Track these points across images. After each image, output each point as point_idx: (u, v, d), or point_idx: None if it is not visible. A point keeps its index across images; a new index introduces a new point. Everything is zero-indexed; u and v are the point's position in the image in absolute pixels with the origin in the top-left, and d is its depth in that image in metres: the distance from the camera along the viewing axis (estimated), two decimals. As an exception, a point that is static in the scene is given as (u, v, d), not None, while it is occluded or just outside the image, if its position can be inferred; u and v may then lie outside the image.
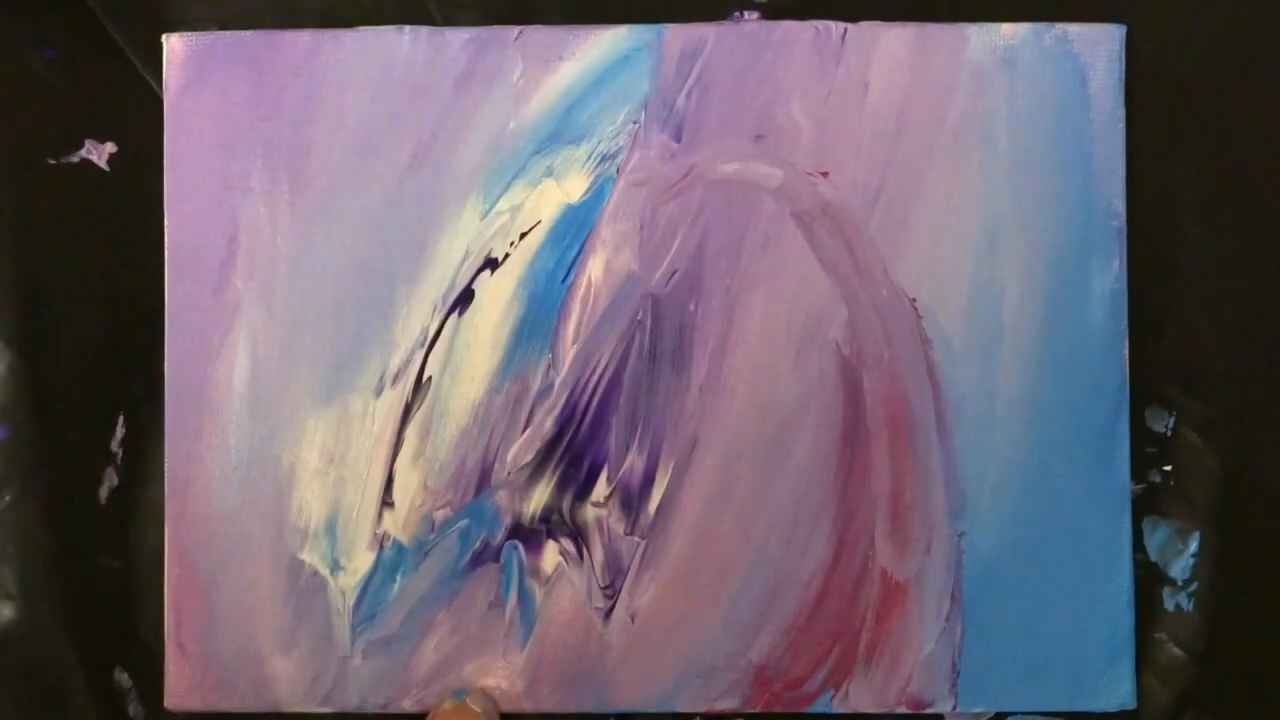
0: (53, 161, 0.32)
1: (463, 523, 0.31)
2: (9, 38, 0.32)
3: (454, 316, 0.31)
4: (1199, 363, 0.32)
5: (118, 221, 0.32)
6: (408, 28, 0.32)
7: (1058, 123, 0.31)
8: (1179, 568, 0.32)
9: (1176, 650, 0.32)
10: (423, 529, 0.31)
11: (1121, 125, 0.31)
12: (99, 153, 0.32)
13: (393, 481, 0.31)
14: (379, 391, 0.31)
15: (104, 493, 0.32)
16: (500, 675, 0.31)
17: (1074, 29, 0.32)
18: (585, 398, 0.31)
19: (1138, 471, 0.32)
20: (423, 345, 0.31)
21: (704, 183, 0.32)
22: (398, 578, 0.31)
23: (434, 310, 0.31)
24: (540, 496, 0.31)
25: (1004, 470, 0.31)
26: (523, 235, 0.31)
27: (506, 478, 0.31)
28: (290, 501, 0.31)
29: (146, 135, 0.32)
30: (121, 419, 0.32)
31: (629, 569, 0.31)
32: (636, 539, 0.31)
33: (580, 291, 0.31)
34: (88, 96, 0.33)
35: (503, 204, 0.31)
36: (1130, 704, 0.31)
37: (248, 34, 0.32)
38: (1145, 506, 0.32)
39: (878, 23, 0.32)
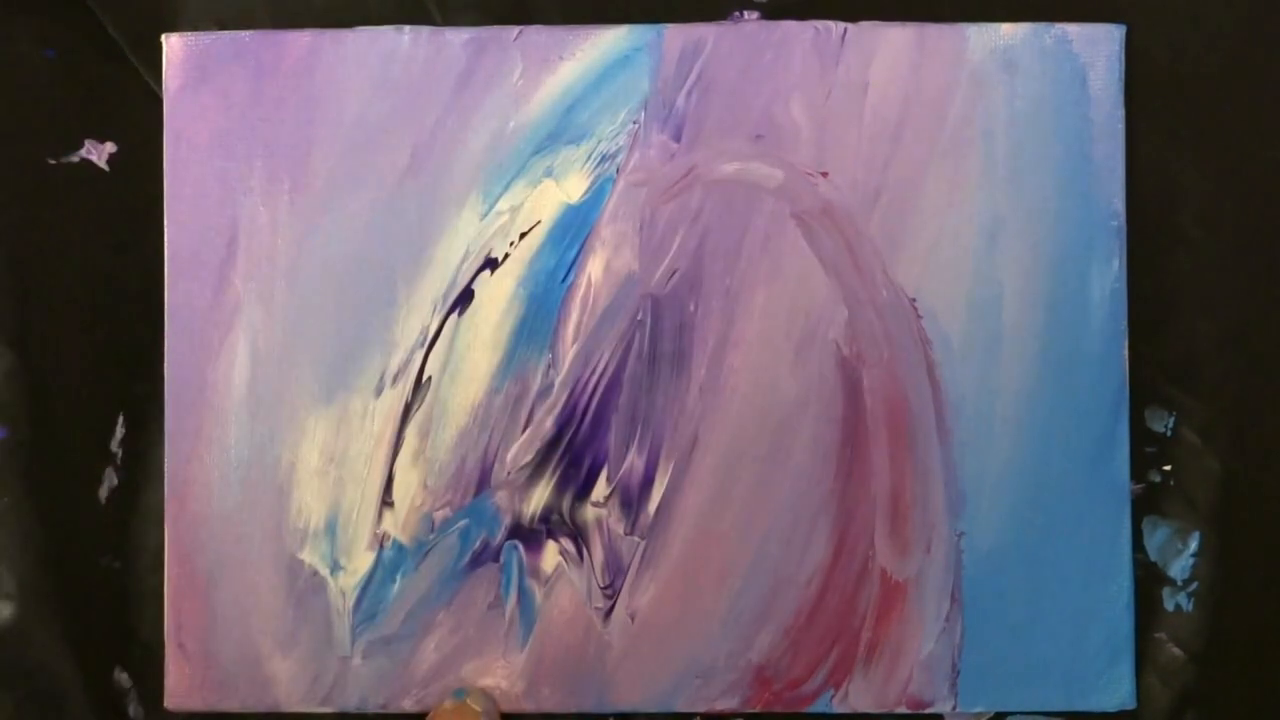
0: (53, 161, 0.32)
1: (463, 523, 0.31)
2: (9, 38, 0.32)
3: (454, 316, 0.31)
4: (1199, 363, 0.32)
5: (118, 221, 0.32)
6: (408, 28, 0.32)
7: (1058, 123, 0.31)
8: (1179, 568, 0.32)
9: (1176, 650, 0.32)
10: (423, 529, 0.31)
11: (1121, 125, 0.31)
12: (99, 153, 0.32)
13: (393, 481, 0.31)
14: (379, 391, 0.31)
15: (104, 493, 0.32)
16: (500, 675, 0.31)
17: (1074, 29, 0.32)
18: (585, 398, 0.31)
19: (1138, 471, 0.32)
20: (422, 345, 0.31)
21: (704, 183, 0.32)
22: (398, 578, 0.31)
23: (434, 310, 0.31)
24: (540, 496, 0.31)
25: (1004, 470, 0.31)
26: (522, 235, 0.31)
27: (506, 478, 0.31)
28: (290, 501, 0.31)
29: (146, 135, 0.32)
30: (121, 419, 0.32)
31: (629, 569, 0.31)
32: (636, 539, 0.31)
33: (580, 291, 0.31)
34: (88, 96, 0.33)
35: (503, 204, 0.31)
36: (1130, 704, 0.31)
37: (247, 34, 0.32)
38: (1145, 506, 0.32)
39: (878, 23, 0.32)
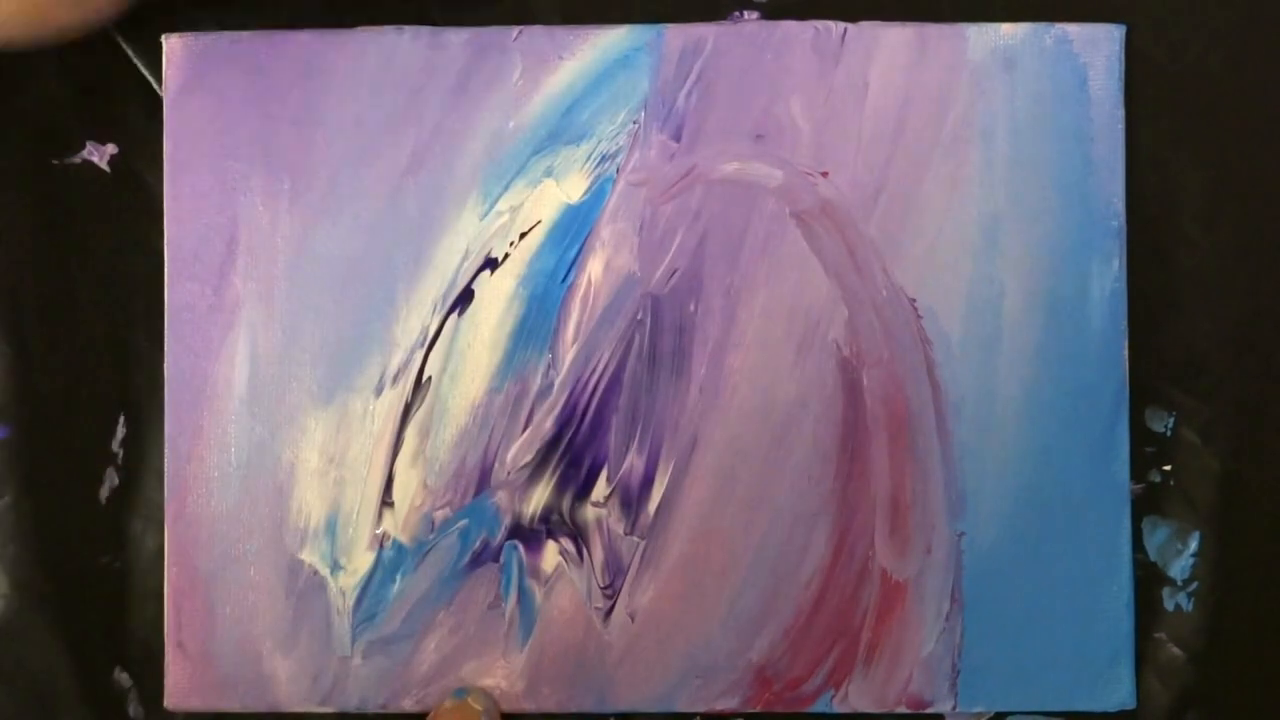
0: (56, 163, 0.32)
1: (463, 523, 0.31)
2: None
3: (454, 316, 0.31)
4: (1199, 363, 0.32)
5: (118, 222, 0.32)
6: (408, 28, 0.32)
7: (1058, 123, 0.31)
8: (1179, 568, 0.32)
9: (1176, 650, 0.32)
10: (423, 529, 0.31)
11: (1121, 125, 0.31)
12: (100, 154, 0.32)
13: (393, 481, 0.31)
14: (379, 391, 0.31)
15: (104, 493, 0.32)
16: (500, 675, 0.31)
17: (1074, 29, 0.32)
18: (585, 398, 0.31)
19: (1138, 471, 0.32)
20: (422, 345, 0.31)
21: (704, 183, 0.32)
22: (398, 578, 0.31)
23: (434, 310, 0.31)
24: (540, 496, 0.31)
25: (1004, 470, 0.31)
26: (522, 235, 0.31)
27: (506, 478, 0.31)
28: (290, 501, 0.31)
29: (146, 135, 0.32)
30: (121, 419, 0.32)
31: (629, 569, 0.31)
32: (636, 539, 0.31)
33: (580, 291, 0.31)
34: (88, 97, 0.33)
35: (502, 204, 0.31)
36: (1130, 704, 0.31)
37: (247, 34, 0.32)
38: (1145, 506, 0.32)
39: (878, 23, 0.32)
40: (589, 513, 0.31)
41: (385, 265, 0.31)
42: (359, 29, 0.32)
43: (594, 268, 0.31)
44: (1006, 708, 0.31)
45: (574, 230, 0.31)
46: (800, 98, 0.31)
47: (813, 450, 0.31)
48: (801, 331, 0.31)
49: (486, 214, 0.31)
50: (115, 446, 0.32)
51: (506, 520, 0.31)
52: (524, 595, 0.31)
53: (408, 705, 0.31)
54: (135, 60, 0.32)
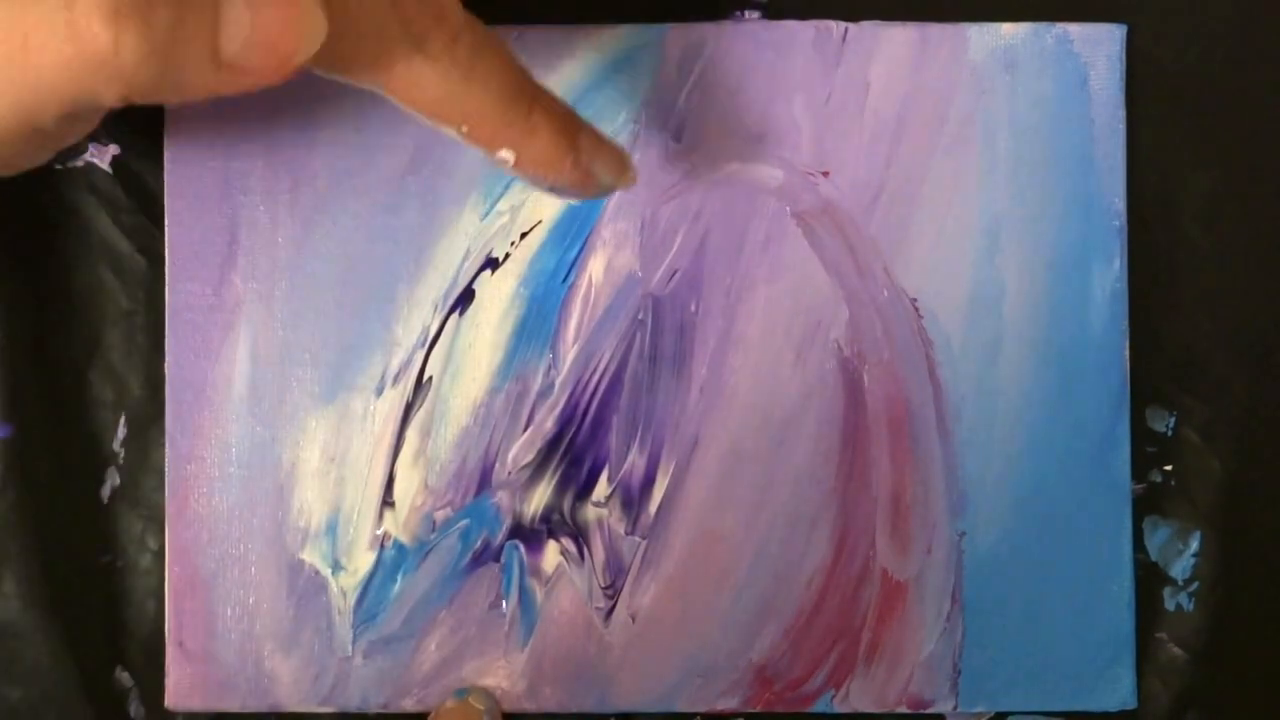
0: (59, 167, 0.32)
1: (463, 522, 0.31)
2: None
3: (455, 316, 0.31)
4: (1199, 363, 0.32)
5: (118, 222, 0.32)
6: (408, 27, 0.32)
7: (1058, 123, 0.31)
8: (1179, 567, 0.32)
9: (1177, 650, 0.32)
10: (423, 529, 0.31)
11: (1122, 125, 0.31)
12: (102, 155, 0.32)
13: (393, 481, 0.31)
14: (379, 391, 0.31)
15: (104, 493, 0.32)
16: (501, 675, 0.31)
17: (1074, 29, 0.32)
18: (586, 397, 0.31)
19: (1138, 471, 0.32)
20: (423, 345, 0.31)
21: (704, 183, 0.32)
22: (398, 578, 0.31)
23: (434, 310, 0.31)
24: (541, 496, 0.31)
25: (1004, 470, 0.31)
26: (523, 235, 0.31)
27: (507, 477, 0.31)
28: (291, 501, 0.31)
29: (147, 136, 0.32)
30: (122, 419, 0.32)
31: (630, 569, 0.31)
32: (637, 539, 0.31)
33: (581, 291, 0.31)
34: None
35: (503, 204, 0.31)
36: (1131, 704, 0.31)
37: (248, 34, 0.32)
38: (1146, 506, 0.32)
39: (878, 23, 0.32)
40: (590, 513, 0.31)
41: (386, 265, 0.31)
42: (359, 29, 0.32)
43: (595, 268, 0.31)
44: (1007, 708, 0.31)
45: (575, 230, 0.31)
46: (801, 97, 0.31)
47: (814, 450, 0.31)
48: (802, 332, 0.31)
49: (487, 214, 0.31)
50: (115, 446, 0.32)
51: (507, 520, 0.31)
52: (525, 595, 0.31)
53: (409, 705, 0.31)
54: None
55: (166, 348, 0.31)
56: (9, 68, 0.20)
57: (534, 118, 0.25)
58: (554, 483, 0.31)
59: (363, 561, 0.31)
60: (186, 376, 0.31)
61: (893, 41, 0.31)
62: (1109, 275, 0.31)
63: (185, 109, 0.31)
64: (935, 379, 0.31)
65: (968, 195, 0.31)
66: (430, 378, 0.31)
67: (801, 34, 0.32)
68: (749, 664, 0.31)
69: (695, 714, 0.31)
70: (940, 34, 0.32)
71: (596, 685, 0.31)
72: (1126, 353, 0.31)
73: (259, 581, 0.31)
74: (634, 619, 0.31)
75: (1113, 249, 0.31)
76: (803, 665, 0.31)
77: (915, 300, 0.31)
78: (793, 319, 0.31)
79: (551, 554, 0.31)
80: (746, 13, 0.32)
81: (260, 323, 0.31)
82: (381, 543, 0.31)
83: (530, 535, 0.31)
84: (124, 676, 0.32)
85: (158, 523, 0.32)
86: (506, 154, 0.25)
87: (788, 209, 0.31)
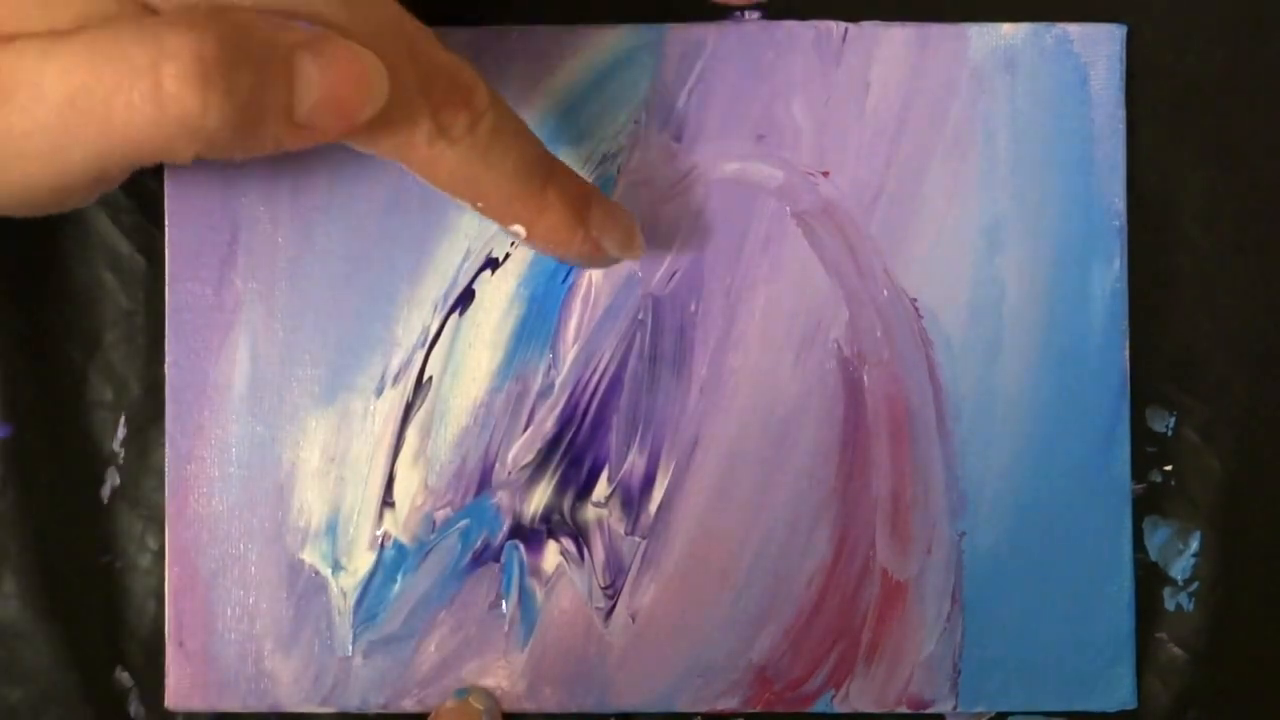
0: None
1: (463, 522, 0.31)
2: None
3: (455, 316, 0.31)
4: (1199, 363, 0.32)
5: (118, 222, 0.32)
6: (408, 27, 0.32)
7: (1058, 123, 0.31)
8: (1179, 568, 0.32)
9: (1177, 650, 0.32)
10: (423, 529, 0.31)
11: (1122, 125, 0.31)
12: (99, 152, 0.32)
13: (393, 481, 0.31)
14: (379, 391, 0.31)
15: (104, 493, 0.32)
16: (501, 675, 0.31)
17: (1074, 29, 0.32)
18: (586, 398, 0.31)
19: (1138, 471, 0.32)
20: (423, 345, 0.31)
21: (704, 183, 0.32)
22: (398, 578, 0.31)
23: (434, 310, 0.31)
24: (541, 496, 0.31)
25: (1005, 470, 0.31)
26: (523, 235, 0.31)
27: (507, 477, 0.31)
28: (291, 501, 0.31)
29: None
30: (122, 419, 0.32)
31: (629, 569, 0.31)
32: (637, 539, 0.31)
33: (581, 291, 0.31)
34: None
35: (503, 204, 0.31)
36: (1131, 704, 0.31)
37: (248, 34, 0.32)
38: (1146, 506, 0.32)
39: (878, 23, 0.32)
40: (590, 513, 0.31)
41: (386, 265, 0.31)
42: (359, 29, 0.32)
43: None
44: (1007, 708, 0.31)
45: (575, 230, 0.31)
46: (801, 98, 0.31)
47: (814, 450, 0.31)
48: (802, 332, 0.31)
49: (487, 214, 0.31)
50: (115, 446, 0.32)
51: (507, 520, 0.31)
52: (525, 595, 0.31)
53: (409, 705, 0.31)
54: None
55: (166, 347, 0.31)
56: (88, 123, 0.20)
57: (548, 194, 0.25)
58: (554, 483, 0.31)
59: (363, 561, 0.31)
60: (186, 376, 0.31)
61: (893, 42, 0.32)
62: (1109, 275, 0.31)
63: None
64: (935, 379, 0.31)
65: (968, 195, 0.31)
66: (430, 378, 0.31)
67: (801, 34, 0.32)
68: (749, 664, 0.31)
69: (695, 714, 0.31)
70: (940, 34, 0.32)
71: (596, 685, 0.31)
72: (1126, 353, 0.31)
73: (259, 581, 0.31)
74: (634, 619, 0.31)
75: (1113, 249, 0.31)
76: (803, 665, 0.31)
77: (915, 300, 0.31)
78: (793, 319, 0.31)
79: (551, 554, 0.31)
80: (746, 13, 0.32)
81: (260, 323, 0.31)
82: (381, 543, 0.31)
83: (530, 535, 0.31)
84: (124, 676, 0.32)
85: (158, 523, 0.32)
86: (519, 228, 0.26)
87: (788, 209, 0.31)
